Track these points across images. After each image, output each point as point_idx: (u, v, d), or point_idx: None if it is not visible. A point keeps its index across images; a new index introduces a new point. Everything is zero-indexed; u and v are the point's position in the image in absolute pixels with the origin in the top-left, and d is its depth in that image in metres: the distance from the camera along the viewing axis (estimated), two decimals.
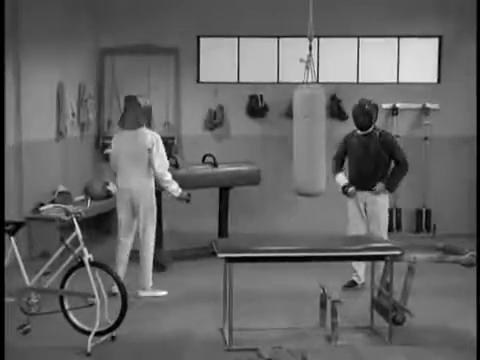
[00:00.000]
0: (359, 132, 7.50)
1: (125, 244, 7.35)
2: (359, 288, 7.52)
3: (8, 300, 5.83)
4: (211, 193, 9.52)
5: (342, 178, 7.66)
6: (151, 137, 7.18)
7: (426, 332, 6.14)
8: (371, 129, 7.44)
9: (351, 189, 7.49)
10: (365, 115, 7.38)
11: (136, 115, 7.25)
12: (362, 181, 7.44)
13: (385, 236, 7.35)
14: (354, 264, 7.48)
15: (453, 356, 5.62)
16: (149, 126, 7.34)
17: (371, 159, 7.37)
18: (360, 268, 7.55)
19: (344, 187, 7.57)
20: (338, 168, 7.75)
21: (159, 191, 8.30)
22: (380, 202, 7.43)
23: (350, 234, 7.40)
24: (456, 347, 5.78)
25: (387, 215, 7.64)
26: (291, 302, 7.05)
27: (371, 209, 7.43)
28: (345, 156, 7.73)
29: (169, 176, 7.27)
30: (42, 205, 8.49)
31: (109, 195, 9.93)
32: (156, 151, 7.13)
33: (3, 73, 6.52)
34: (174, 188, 7.31)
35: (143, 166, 7.18)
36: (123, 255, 7.33)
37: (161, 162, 7.17)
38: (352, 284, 7.57)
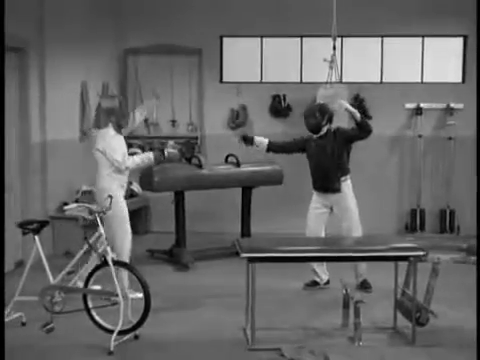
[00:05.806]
0: (314, 136, 7.40)
1: None
2: (322, 287, 7.50)
3: (32, 298, 5.89)
4: (234, 193, 9.52)
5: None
6: (99, 138, 6.93)
7: (450, 333, 6.10)
8: (325, 131, 7.32)
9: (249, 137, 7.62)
10: (312, 117, 7.30)
11: (98, 116, 7.01)
12: (325, 183, 7.31)
13: (359, 231, 7.25)
14: (315, 265, 7.42)
15: (477, 358, 5.57)
16: (118, 126, 6.93)
17: (329, 159, 7.24)
18: (320, 268, 7.48)
19: (245, 137, 7.66)
20: (274, 141, 7.67)
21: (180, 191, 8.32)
22: (346, 194, 7.30)
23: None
24: None
25: (357, 208, 7.40)
26: (314, 302, 7.04)
27: (339, 205, 7.30)
28: (292, 148, 7.62)
29: (130, 161, 6.86)
30: (66, 204, 8.58)
31: (132, 194, 9.99)
32: (107, 151, 6.82)
33: (3, 73, 6.52)
34: (145, 160, 6.96)
35: (98, 166, 6.98)
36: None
37: (117, 158, 6.82)
38: (314, 284, 7.54)
